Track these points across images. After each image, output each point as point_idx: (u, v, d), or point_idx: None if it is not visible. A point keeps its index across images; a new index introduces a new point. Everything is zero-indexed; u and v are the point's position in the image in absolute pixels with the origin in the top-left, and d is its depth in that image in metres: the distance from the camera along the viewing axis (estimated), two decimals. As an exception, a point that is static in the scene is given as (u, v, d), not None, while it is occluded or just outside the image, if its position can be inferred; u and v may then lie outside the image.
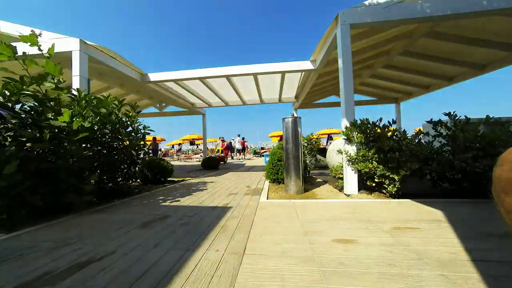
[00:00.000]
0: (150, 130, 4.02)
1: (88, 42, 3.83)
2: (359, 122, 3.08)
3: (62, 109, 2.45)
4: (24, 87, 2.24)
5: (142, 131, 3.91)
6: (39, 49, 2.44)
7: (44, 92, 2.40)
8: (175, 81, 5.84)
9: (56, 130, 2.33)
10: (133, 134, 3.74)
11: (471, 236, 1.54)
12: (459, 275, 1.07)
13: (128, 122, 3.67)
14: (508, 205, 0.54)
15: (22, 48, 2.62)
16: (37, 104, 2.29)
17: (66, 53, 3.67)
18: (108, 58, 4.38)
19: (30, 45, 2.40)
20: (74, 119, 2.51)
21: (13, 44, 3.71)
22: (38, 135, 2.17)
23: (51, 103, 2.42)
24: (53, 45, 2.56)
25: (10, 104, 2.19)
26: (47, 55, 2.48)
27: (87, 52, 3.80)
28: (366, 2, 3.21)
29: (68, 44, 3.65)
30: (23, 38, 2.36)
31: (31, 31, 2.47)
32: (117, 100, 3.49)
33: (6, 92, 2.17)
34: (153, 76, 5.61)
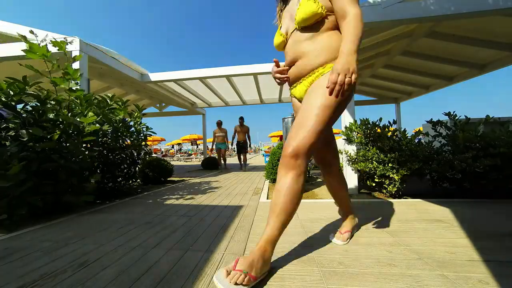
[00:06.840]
0: (152, 132, 4.06)
1: (88, 42, 3.84)
2: (359, 122, 3.08)
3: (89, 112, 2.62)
4: (27, 87, 2.26)
5: (145, 132, 3.93)
6: (65, 54, 2.70)
7: (55, 93, 2.53)
8: (175, 81, 5.84)
9: (57, 131, 2.34)
10: (135, 134, 3.75)
11: (472, 236, 1.54)
12: (459, 275, 1.07)
13: (132, 122, 3.69)
14: None
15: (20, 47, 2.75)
16: (39, 104, 2.30)
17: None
18: (108, 58, 4.38)
19: (58, 50, 2.65)
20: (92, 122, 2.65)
21: (10, 44, 3.76)
22: (45, 133, 2.19)
23: (52, 102, 2.44)
24: (63, 42, 2.70)
25: (13, 103, 2.20)
26: (71, 59, 2.75)
27: (87, 52, 3.80)
28: (367, 2, 3.20)
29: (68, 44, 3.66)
30: (54, 43, 2.59)
31: (30, 31, 2.57)
32: (121, 100, 3.49)
33: (11, 91, 2.19)
34: (153, 76, 5.62)
